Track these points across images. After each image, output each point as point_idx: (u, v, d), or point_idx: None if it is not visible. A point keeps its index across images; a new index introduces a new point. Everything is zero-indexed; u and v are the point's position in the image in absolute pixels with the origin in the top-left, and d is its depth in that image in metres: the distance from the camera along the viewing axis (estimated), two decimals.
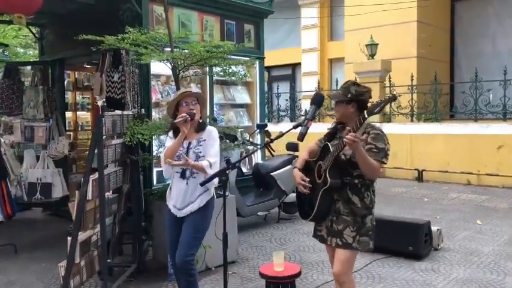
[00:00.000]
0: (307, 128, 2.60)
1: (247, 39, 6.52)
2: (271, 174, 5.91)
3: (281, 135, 2.67)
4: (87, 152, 4.46)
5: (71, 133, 7.19)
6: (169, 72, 4.65)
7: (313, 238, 2.94)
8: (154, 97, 5.56)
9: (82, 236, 3.55)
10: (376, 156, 2.59)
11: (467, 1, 12.09)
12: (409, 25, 11.26)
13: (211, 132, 3.28)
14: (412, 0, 10.93)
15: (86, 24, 5.35)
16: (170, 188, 3.35)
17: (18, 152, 6.45)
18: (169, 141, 3.30)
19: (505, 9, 11.45)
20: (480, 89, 8.99)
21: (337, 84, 11.17)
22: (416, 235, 4.56)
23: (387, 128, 2.57)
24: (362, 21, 11.54)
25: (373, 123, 2.72)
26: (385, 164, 2.64)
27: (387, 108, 9.85)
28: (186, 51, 4.32)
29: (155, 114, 5.48)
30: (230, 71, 4.86)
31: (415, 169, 9.34)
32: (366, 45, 10.72)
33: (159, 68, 5.03)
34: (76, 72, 7.22)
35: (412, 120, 9.92)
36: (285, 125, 11.27)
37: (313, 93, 2.89)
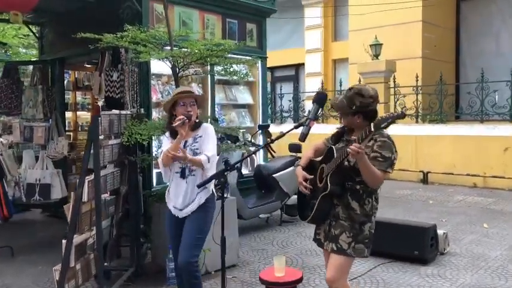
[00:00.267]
0: (309, 128, 2.50)
1: (249, 38, 6.42)
2: (274, 176, 5.80)
3: (282, 135, 2.56)
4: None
5: (71, 133, 7.12)
6: (170, 71, 4.55)
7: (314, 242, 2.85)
8: (155, 97, 5.46)
9: (77, 239, 3.45)
10: (381, 165, 2.49)
11: (472, 1, 11.95)
12: (414, 25, 11.13)
13: (207, 129, 3.21)
14: (417, 0, 10.79)
15: (86, 23, 5.27)
16: (169, 190, 3.27)
17: (17, 152, 6.37)
18: (166, 142, 3.21)
19: (511, 9, 11.30)
20: (486, 90, 8.85)
21: (341, 85, 11.07)
22: (422, 239, 4.43)
23: (392, 130, 2.44)
24: (366, 21, 11.42)
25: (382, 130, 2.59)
26: (390, 173, 2.54)
27: (391, 108, 9.72)
28: (185, 49, 4.22)
29: (155, 114, 5.38)
30: (231, 70, 4.75)
31: (420, 171, 9.20)
32: (370, 46, 10.61)
33: (160, 67, 4.93)
34: (76, 72, 7.14)
35: (417, 122, 9.79)
36: (288, 126, 11.08)
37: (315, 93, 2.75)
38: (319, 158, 2.70)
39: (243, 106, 6.79)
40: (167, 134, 3.25)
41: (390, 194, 7.75)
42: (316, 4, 14.16)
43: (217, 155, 3.27)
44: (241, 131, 5.91)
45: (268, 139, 2.50)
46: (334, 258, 2.62)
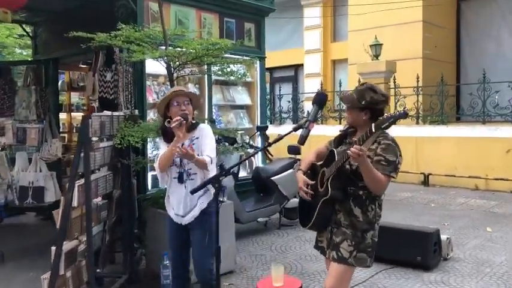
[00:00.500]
0: (309, 131, 2.36)
1: (247, 38, 6.29)
2: (272, 178, 5.65)
3: (280, 138, 2.43)
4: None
5: (65, 135, 6.99)
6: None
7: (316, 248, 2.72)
8: (151, 98, 5.33)
9: (67, 245, 3.31)
10: (384, 169, 2.36)
11: (473, 1, 11.83)
12: (414, 25, 11.00)
13: (204, 130, 3.05)
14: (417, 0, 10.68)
15: (80, 22, 5.13)
16: (168, 196, 3.11)
17: (9, 154, 6.23)
18: (161, 146, 3.06)
19: None
20: (488, 91, 8.72)
21: (340, 86, 10.93)
22: (425, 244, 4.30)
23: (392, 131, 2.32)
24: (366, 21, 11.30)
25: (386, 131, 2.45)
26: (394, 178, 2.40)
27: (391, 110, 9.59)
28: (180, 49, 4.08)
29: (152, 115, 5.25)
30: (228, 70, 4.61)
31: (421, 173, 9.07)
32: (370, 46, 10.48)
33: (156, 67, 4.77)
34: (71, 72, 7.00)
35: (417, 123, 9.66)
36: (287, 127, 11.02)
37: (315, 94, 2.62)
38: (321, 162, 2.57)
39: (241, 107, 6.65)
40: (161, 138, 3.09)
41: (391, 197, 7.61)
42: (316, 4, 14.04)
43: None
44: (239, 132, 5.78)
45: (266, 142, 2.35)
46: (335, 267, 2.50)
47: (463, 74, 11.88)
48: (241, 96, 6.60)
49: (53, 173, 5.87)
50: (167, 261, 3.85)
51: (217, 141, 5.09)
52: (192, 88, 5.88)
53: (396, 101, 9.70)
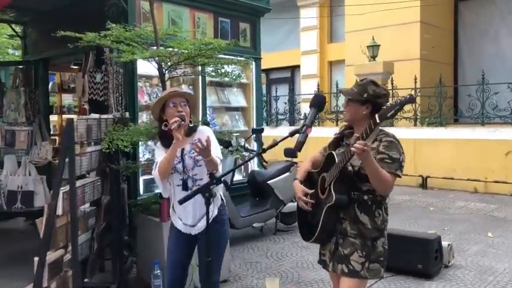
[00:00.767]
0: (306, 136, 2.20)
1: (242, 38, 6.14)
2: (268, 182, 5.50)
3: (275, 144, 2.27)
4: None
5: (56, 138, 6.79)
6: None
7: (312, 253, 2.54)
8: (143, 100, 5.17)
9: (52, 255, 3.15)
10: (390, 167, 2.19)
11: (471, 1, 11.73)
12: (412, 26, 10.88)
13: (205, 131, 2.80)
14: (415, 0, 10.55)
15: (70, 22, 4.97)
16: (173, 206, 2.85)
17: None
18: (160, 152, 2.78)
19: (511, 9, 11.08)
20: (487, 92, 8.60)
21: (337, 87, 10.79)
22: (425, 251, 4.15)
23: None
24: (363, 22, 11.17)
25: (385, 130, 2.32)
26: (400, 177, 2.24)
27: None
28: (171, 49, 3.92)
29: (144, 118, 5.08)
30: (223, 71, 4.45)
31: (419, 176, 8.94)
32: (368, 47, 10.36)
33: (148, 68, 4.59)
34: (61, 73, 6.82)
35: (415, 125, 9.53)
36: (284, 129, 10.89)
37: (312, 96, 2.46)
38: (318, 169, 2.41)
39: (236, 109, 6.50)
40: (158, 143, 2.84)
41: (389, 200, 7.46)
42: (312, 5, 13.91)
43: None
44: (234, 135, 5.63)
45: (260, 148, 2.20)
46: (346, 281, 2.29)
47: (461, 75, 11.77)
48: (237, 98, 6.44)
49: (42, 177, 5.68)
50: (158, 271, 3.69)
51: None
52: (186, 89, 5.73)
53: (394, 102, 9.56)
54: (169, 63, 4.02)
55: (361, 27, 11.25)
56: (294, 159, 5.78)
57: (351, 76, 10.83)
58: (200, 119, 5.64)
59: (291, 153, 6.45)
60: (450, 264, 4.44)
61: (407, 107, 9.16)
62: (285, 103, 12.10)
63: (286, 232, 5.77)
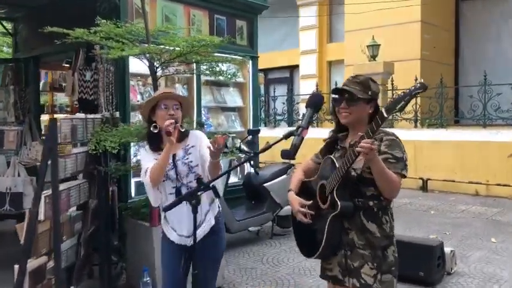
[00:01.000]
0: (302, 138, 2.02)
1: (239, 36, 5.98)
2: (264, 185, 5.33)
3: (268, 147, 2.10)
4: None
5: None
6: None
7: (310, 260, 2.33)
8: (135, 99, 4.99)
9: (33, 263, 2.98)
10: (395, 167, 2.01)
11: (472, 0, 11.57)
12: (413, 25, 10.72)
13: (199, 136, 2.61)
14: None
15: (62, 19, 4.82)
16: (165, 217, 2.62)
17: None
18: (147, 157, 2.56)
19: None
20: (489, 93, 8.44)
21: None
22: (428, 258, 3.98)
23: None
24: (363, 21, 11.01)
25: (384, 128, 2.13)
26: (405, 177, 2.06)
27: None
28: (162, 46, 3.74)
29: (137, 117, 4.90)
30: (217, 69, 4.28)
31: (419, 178, 8.76)
32: (367, 46, 10.19)
33: (142, 66, 4.40)
34: (53, 72, 6.65)
35: (416, 126, 9.36)
36: (282, 130, 10.71)
37: (309, 95, 2.27)
38: (313, 178, 2.23)
39: (232, 109, 6.33)
40: (146, 146, 2.62)
41: (393, 204, 7.30)
42: (311, 4, 13.75)
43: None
44: (230, 136, 5.45)
45: (252, 152, 2.02)
46: None
47: (462, 76, 11.62)
48: (233, 98, 6.28)
49: (32, 178, 5.48)
50: (147, 278, 3.52)
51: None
52: (180, 89, 5.56)
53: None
54: (161, 61, 3.84)
55: (361, 27, 11.09)
56: (292, 161, 5.62)
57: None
58: (195, 119, 5.48)
59: (288, 155, 6.25)
60: (453, 271, 4.27)
61: (407, 108, 9.02)
62: (283, 103, 11.93)
63: (283, 236, 5.59)
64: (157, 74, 3.94)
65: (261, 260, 4.76)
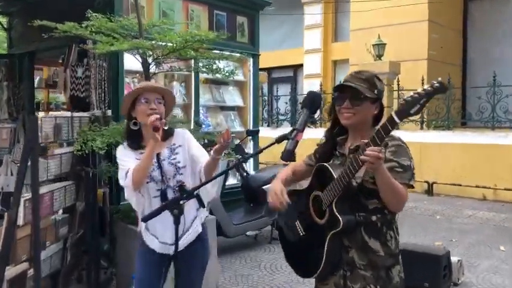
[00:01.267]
0: (297, 142, 1.80)
1: (240, 33, 5.77)
2: (263, 188, 5.12)
3: (260, 151, 1.91)
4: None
5: None
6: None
7: None
8: None
9: (13, 270, 2.81)
10: (402, 178, 1.77)
11: (480, 0, 11.31)
12: (420, 25, 10.47)
13: (185, 135, 2.42)
14: None
15: (59, 14, 4.64)
16: (147, 224, 2.39)
17: None
18: (127, 155, 2.34)
19: None
20: (499, 95, 8.19)
21: None
22: (434, 268, 3.77)
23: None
24: (369, 20, 10.77)
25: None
26: (413, 187, 1.83)
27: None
28: (154, 42, 3.55)
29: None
30: (215, 67, 4.08)
31: (424, 181, 8.53)
32: (373, 46, 9.94)
33: (136, 63, 4.20)
34: (47, 68, 6.48)
35: (422, 128, 9.13)
36: (285, 130, 10.50)
37: (305, 95, 2.03)
38: (305, 185, 2.01)
39: (232, 108, 6.13)
40: (125, 143, 2.42)
41: (398, 217, 7.08)
42: (317, 1, 13.53)
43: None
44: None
45: (242, 157, 1.82)
46: None
47: (470, 76, 11.35)
48: (233, 97, 6.08)
49: None
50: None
51: (204, 147, 4.57)
52: (177, 87, 5.37)
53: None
54: (154, 56, 3.65)
55: (367, 25, 10.86)
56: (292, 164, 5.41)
57: None
58: (192, 118, 5.30)
59: (288, 157, 6.01)
60: (460, 282, 4.06)
61: None
62: (286, 103, 11.73)
63: None
64: (151, 70, 3.75)
65: (258, 266, 4.57)
